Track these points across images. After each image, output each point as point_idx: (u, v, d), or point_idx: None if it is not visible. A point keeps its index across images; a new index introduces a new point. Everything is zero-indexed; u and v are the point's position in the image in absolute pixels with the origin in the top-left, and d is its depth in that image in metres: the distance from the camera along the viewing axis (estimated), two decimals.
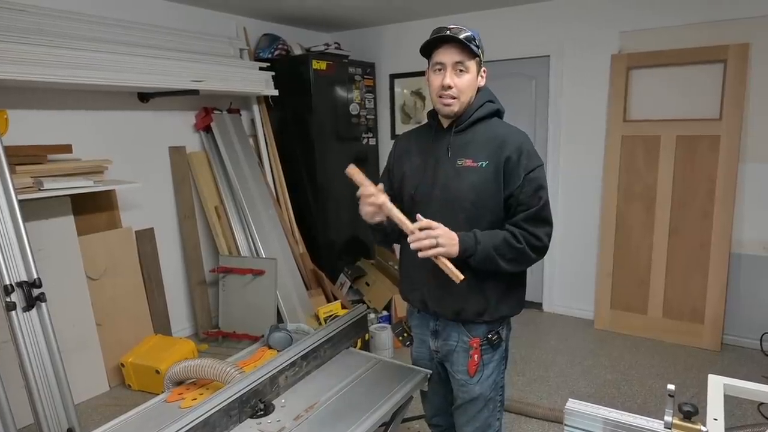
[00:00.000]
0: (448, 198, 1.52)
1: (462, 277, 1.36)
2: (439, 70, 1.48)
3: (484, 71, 1.55)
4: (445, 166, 1.54)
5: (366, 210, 1.47)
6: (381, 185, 1.51)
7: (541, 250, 1.48)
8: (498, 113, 1.58)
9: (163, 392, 1.74)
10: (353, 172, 1.45)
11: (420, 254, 1.38)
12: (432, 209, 1.54)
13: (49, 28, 2.78)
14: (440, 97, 1.49)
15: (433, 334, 1.66)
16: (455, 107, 1.50)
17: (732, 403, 2.62)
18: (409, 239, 1.39)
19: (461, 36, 1.43)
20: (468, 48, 1.44)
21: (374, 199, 1.43)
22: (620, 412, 1.16)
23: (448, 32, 1.44)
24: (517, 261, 1.46)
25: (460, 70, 1.46)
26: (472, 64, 1.48)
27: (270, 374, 1.62)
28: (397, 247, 1.68)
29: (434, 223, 1.39)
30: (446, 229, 1.40)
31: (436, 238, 1.37)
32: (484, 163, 1.48)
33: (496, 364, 1.63)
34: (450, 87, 1.46)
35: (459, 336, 1.60)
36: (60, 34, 2.79)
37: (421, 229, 1.38)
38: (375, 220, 1.49)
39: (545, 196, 1.48)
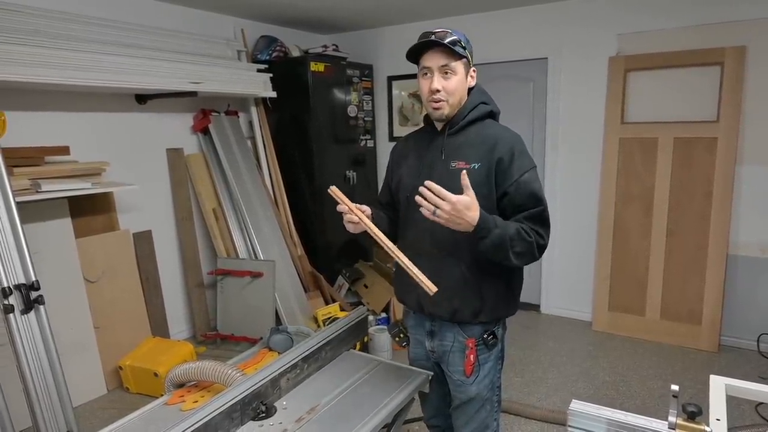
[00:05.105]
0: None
1: (435, 289, 1.35)
2: (426, 74, 1.50)
3: (473, 71, 1.55)
4: (439, 168, 1.55)
5: (347, 226, 1.52)
6: (365, 207, 1.54)
7: (543, 250, 1.48)
8: (492, 114, 1.59)
9: (162, 395, 1.73)
10: (335, 192, 1.50)
11: (423, 212, 1.34)
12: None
13: (46, 29, 2.76)
14: (430, 101, 1.52)
15: (429, 335, 1.67)
16: (445, 110, 1.52)
17: (730, 403, 2.63)
18: (417, 198, 1.35)
19: (446, 40, 1.45)
20: (452, 51, 1.45)
21: (349, 217, 1.48)
22: (624, 412, 1.16)
23: (433, 37, 1.46)
24: (524, 255, 1.44)
25: (446, 73, 1.48)
26: (458, 66, 1.49)
27: (271, 376, 1.62)
28: None
29: (448, 195, 1.32)
30: (461, 204, 1.32)
31: (435, 210, 1.32)
32: (477, 165, 1.49)
33: (492, 364, 1.63)
34: (438, 90, 1.48)
35: (454, 336, 1.61)
36: (57, 36, 2.78)
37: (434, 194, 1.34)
38: (358, 231, 1.52)
39: (543, 197, 1.49)
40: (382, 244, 1.44)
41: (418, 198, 1.35)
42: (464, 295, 1.53)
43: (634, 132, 3.61)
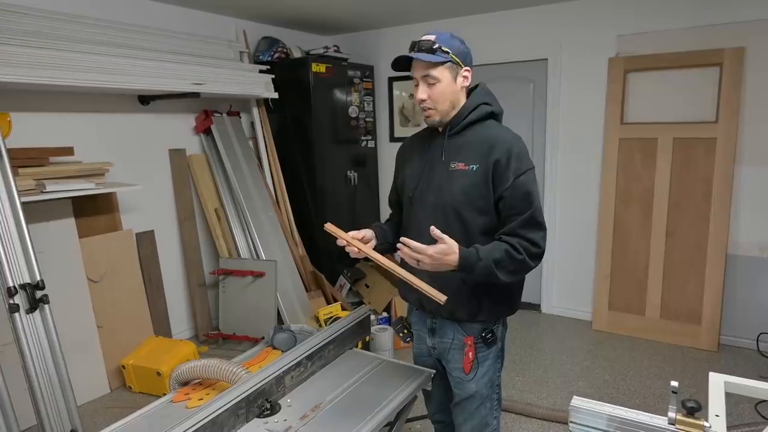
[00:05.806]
0: (440, 201, 1.55)
1: (444, 297, 1.38)
2: (416, 84, 1.54)
3: (466, 71, 1.52)
4: (440, 169, 1.57)
5: (350, 254, 1.58)
6: (365, 232, 1.63)
7: (538, 256, 1.48)
8: (493, 115, 1.58)
9: (164, 394, 1.75)
10: (330, 228, 1.55)
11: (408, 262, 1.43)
12: (426, 212, 1.58)
13: (50, 31, 2.78)
14: (421, 109, 1.56)
15: (430, 332, 1.70)
16: (435, 117, 1.54)
17: (729, 402, 2.64)
18: (399, 255, 1.44)
19: (424, 48, 1.46)
20: (428, 60, 1.46)
21: (349, 249, 1.54)
22: (624, 408, 1.18)
23: (415, 48, 1.49)
24: (517, 272, 1.47)
25: (430, 83, 1.49)
26: (441, 72, 1.48)
27: (276, 374, 1.63)
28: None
29: (424, 250, 1.37)
30: (439, 253, 1.38)
31: (419, 261, 1.40)
32: (475, 167, 1.50)
33: (492, 362, 1.65)
34: (423, 100, 1.51)
35: (454, 334, 1.63)
36: (61, 37, 2.80)
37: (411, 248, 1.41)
38: (362, 256, 1.58)
39: (537, 199, 1.49)
40: (385, 267, 1.48)
41: (399, 254, 1.42)
42: (462, 295, 1.54)
43: (634, 132, 3.63)
